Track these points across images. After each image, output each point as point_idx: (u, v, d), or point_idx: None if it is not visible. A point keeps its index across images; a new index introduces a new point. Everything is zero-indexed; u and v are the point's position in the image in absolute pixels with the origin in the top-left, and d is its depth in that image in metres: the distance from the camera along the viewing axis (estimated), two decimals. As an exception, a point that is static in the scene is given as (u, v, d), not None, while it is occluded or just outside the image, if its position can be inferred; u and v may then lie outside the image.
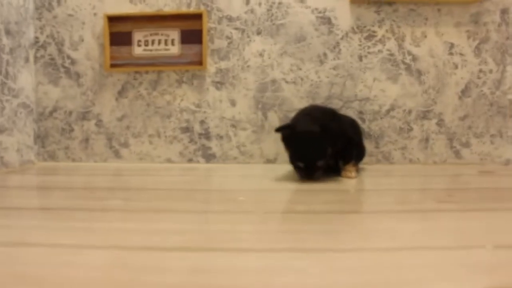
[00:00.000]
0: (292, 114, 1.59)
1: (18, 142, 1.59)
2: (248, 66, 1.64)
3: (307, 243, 0.67)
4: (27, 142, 1.66)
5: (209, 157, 1.67)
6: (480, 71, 1.62)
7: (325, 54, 1.63)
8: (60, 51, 1.69)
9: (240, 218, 0.84)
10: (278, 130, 1.29)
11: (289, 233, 0.74)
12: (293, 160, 1.25)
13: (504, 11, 1.60)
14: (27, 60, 1.65)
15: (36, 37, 1.69)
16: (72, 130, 1.70)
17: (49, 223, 0.81)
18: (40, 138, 1.71)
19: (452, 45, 1.62)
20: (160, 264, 0.57)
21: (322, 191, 1.12)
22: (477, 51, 1.62)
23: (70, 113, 1.70)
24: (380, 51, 1.62)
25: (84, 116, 1.70)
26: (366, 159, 1.61)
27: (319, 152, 1.22)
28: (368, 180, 1.30)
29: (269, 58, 1.64)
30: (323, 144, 1.22)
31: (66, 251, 0.63)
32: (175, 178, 1.35)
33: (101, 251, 0.63)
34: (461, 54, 1.62)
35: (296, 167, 1.26)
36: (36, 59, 1.69)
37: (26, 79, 1.64)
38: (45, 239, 0.69)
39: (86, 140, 1.70)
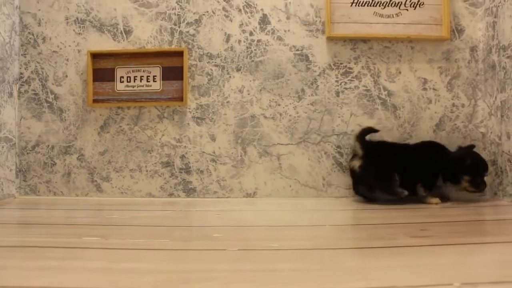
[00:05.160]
0: (271, 149, 1.63)
1: (-1, 178, 1.60)
2: (228, 102, 1.68)
3: (278, 284, 0.68)
4: (9, 176, 1.66)
5: (190, 192, 1.68)
6: (453, 105, 1.68)
7: (303, 90, 1.67)
8: (44, 86, 1.71)
9: (215, 257, 0.86)
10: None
11: (260, 272, 0.75)
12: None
13: (473, 49, 1.67)
14: (10, 95, 1.67)
15: (21, 73, 1.72)
16: (54, 164, 1.71)
17: (24, 262, 0.81)
18: (22, 172, 1.72)
19: (425, 81, 1.68)
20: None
21: (296, 227, 1.14)
22: (450, 86, 1.68)
23: (53, 147, 1.71)
24: (356, 87, 1.67)
25: (66, 150, 1.71)
26: (345, 191, 1.64)
27: None
28: (344, 214, 1.32)
29: (249, 94, 1.68)
30: None
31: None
32: (154, 213, 1.36)
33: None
34: (435, 89, 1.68)
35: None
36: (20, 94, 1.72)
37: (9, 113, 1.66)
38: (17, 281, 0.70)
39: (68, 174, 1.71)
